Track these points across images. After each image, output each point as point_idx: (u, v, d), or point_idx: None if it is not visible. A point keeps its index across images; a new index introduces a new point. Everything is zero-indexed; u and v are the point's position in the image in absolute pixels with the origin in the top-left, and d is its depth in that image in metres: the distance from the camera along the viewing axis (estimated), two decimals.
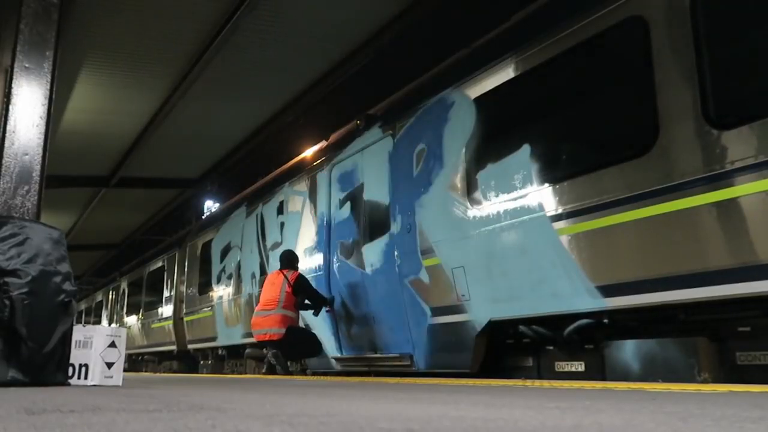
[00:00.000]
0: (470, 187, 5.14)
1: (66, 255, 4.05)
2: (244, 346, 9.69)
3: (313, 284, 7.55)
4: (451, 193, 5.34)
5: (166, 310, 13.37)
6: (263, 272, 8.87)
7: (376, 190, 6.44)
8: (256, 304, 9.49)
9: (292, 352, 7.26)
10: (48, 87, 5.09)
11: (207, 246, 11.40)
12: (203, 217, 15.59)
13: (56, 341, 3.80)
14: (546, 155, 4.52)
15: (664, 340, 3.96)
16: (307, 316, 7.66)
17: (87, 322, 20.84)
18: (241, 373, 10.11)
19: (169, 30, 7.90)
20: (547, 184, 4.46)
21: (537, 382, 3.64)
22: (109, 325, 18.27)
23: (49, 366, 3.81)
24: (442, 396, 2.47)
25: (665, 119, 3.78)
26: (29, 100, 5.02)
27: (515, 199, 4.67)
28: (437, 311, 5.48)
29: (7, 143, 4.89)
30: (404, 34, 8.50)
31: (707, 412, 1.59)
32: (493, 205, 4.87)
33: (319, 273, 7.35)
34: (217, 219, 11.44)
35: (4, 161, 4.86)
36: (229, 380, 5.77)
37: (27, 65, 5.04)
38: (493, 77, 5.11)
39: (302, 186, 8.08)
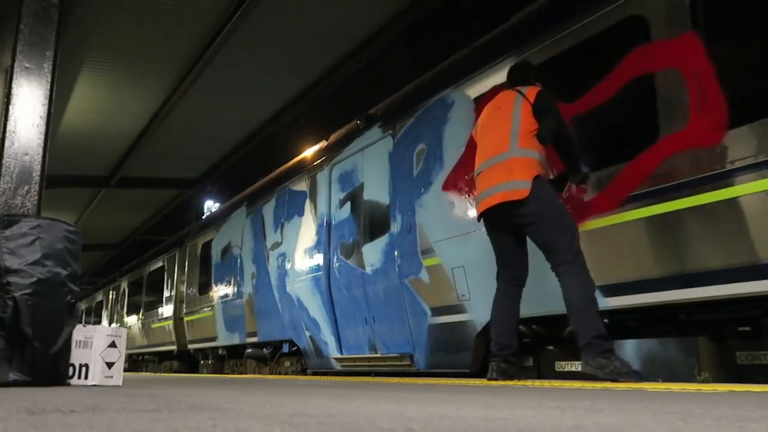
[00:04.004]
0: (470, 187, 5.13)
1: (79, 255, 4.04)
2: (244, 346, 9.70)
3: (313, 284, 7.55)
4: (451, 192, 5.34)
5: (167, 310, 13.37)
6: (263, 272, 8.87)
7: (377, 190, 6.44)
8: (255, 304, 9.40)
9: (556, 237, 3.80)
10: (48, 87, 5.09)
11: (207, 246, 11.41)
12: (203, 217, 15.60)
13: (63, 342, 3.80)
14: None
15: (664, 340, 3.96)
16: (307, 312, 7.67)
17: (87, 322, 20.84)
18: (241, 373, 10.11)
19: (170, 30, 7.91)
20: None
21: (537, 382, 3.64)
22: (110, 325, 18.27)
23: (55, 367, 3.81)
24: (442, 396, 2.47)
25: (664, 119, 3.78)
26: (29, 100, 5.02)
27: None
28: (437, 311, 5.48)
29: (7, 143, 4.89)
30: (404, 33, 8.51)
31: (707, 411, 1.59)
32: None
33: (319, 273, 7.35)
34: (217, 219, 11.45)
35: (4, 161, 4.86)
36: (230, 380, 5.77)
37: (27, 65, 5.04)
38: (494, 77, 5.11)
39: (302, 186, 8.08)
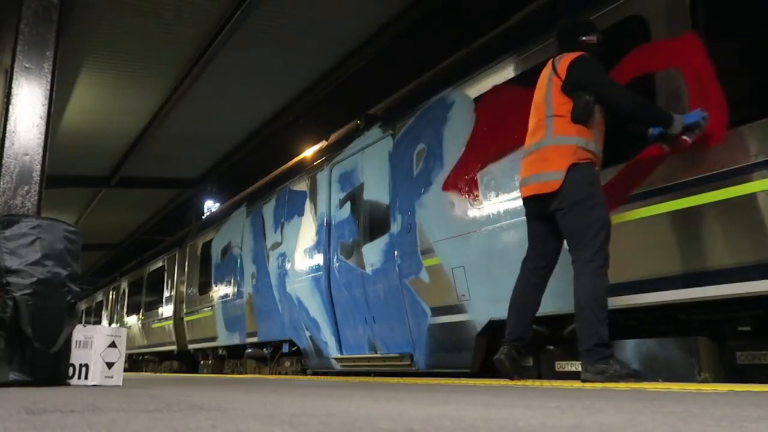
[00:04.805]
0: (470, 187, 5.13)
1: (78, 255, 4.04)
2: (244, 346, 9.70)
3: (313, 284, 7.55)
4: (451, 192, 5.33)
5: (167, 310, 13.38)
6: (263, 272, 8.87)
7: (376, 190, 6.44)
8: (255, 304, 9.37)
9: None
10: (48, 87, 5.09)
11: (207, 246, 11.41)
12: (203, 218, 15.60)
13: (63, 342, 3.80)
14: None
15: (664, 340, 3.96)
16: (307, 312, 7.66)
17: (87, 322, 20.84)
18: (241, 373, 10.11)
19: (170, 30, 7.91)
20: None
21: (537, 382, 3.64)
22: (110, 325, 18.27)
23: (55, 367, 3.81)
24: (442, 396, 2.47)
25: None
26: (29, 100, 5.02)
27: (515, 198, 4.67)
28: (437, 311, 5.48)
29: (7, 143, 4.89)
30: (404, 33, 8.51)
31: (707, 411, 1.59)
32: (493, 204, 4.87)
33: (319, 273, 7.35)
34: (217, 219, 11.45)
35: (4, 161, 4.86)
36: (230, 380, 5.77)
37: (27, 65, 5.04)
38: (493, 77, 5.11)
39: (302, 186, 8.09)
